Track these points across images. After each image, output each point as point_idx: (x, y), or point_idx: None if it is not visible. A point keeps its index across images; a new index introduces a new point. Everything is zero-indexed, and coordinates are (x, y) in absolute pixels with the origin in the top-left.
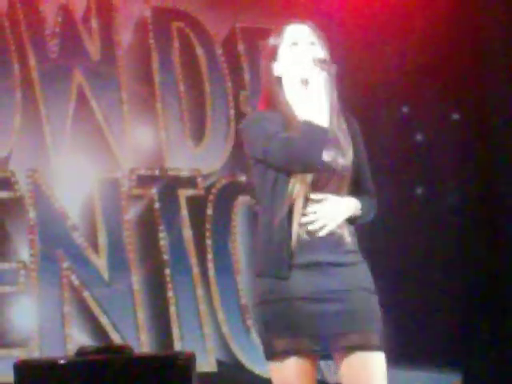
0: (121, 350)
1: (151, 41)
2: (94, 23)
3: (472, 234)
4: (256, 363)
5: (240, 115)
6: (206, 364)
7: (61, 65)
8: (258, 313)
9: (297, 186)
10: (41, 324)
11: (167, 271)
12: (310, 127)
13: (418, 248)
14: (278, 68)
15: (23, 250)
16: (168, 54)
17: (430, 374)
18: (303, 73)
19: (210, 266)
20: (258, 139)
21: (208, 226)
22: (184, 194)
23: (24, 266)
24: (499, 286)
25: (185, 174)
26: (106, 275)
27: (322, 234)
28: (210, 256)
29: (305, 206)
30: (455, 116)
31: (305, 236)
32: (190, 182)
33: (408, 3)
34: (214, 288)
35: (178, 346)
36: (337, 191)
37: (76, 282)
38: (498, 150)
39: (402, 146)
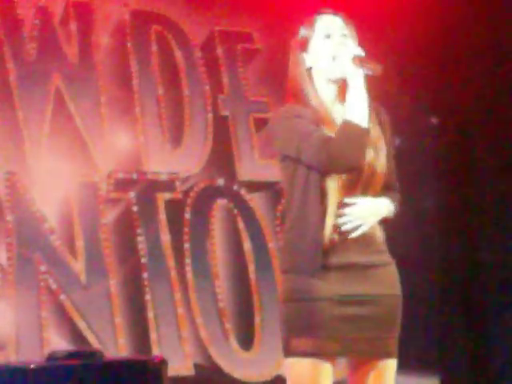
0: (91, 354)
1: (130, 44)
2: (73, 26)
3: (448, 239)
4: (234, 367)
5: (218, 119)
6: (183, 368)
7: (39, 68)
8: (283, 310)
9: (330, 184)
10: (18, 328)
11: (145, 275)
12: (350, 128)
13: (394, 252)
14: (309, 60)
15: (0, 254)
16: (147, 57)
17: (407, 378)
18: (340, 69)
19: (188, 269)
20: (292, 136)
21: (186, 229)
22: (162, 197)
23: (1, 269)
24: (477, 291)
25: (163, 177)
26: (83, 279)
27: (354, 235)
28: (188, 260)
29: (339, 205)
30: (434, 120)
31: (336, 236)
32: (168, 185)
33: (387, 8)
34: (192, 292)
35: (155, 350)
36: (369, 189)
37: (53, 286)
38: (477, 154)
39: None
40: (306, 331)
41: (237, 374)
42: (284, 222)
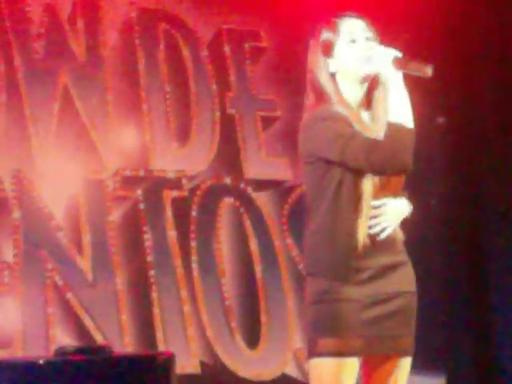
0: (100, 349)
1: (137, 42)
2: (80, 24)
3: (456, 238)
4: (240, 365)
5: (225, 117)
6: (189, 366)
7: (46, 65)
8: (311, 311)
9: (365, 187)
10: (24, 325)
11: (151, 272)
12: (399, 129)
13: None
14: (334, 65)
15: (7, 251)
16: (154, 55)
17: (413, 376)
18: (370, 70)
19: (195, 267)
20: (333, 139)
21: (193, 227)
22: (169, 195)
23: (8, 266)
24: (483, 289)
25: (170, 175)
26: (90, 276)
27: (382, 236)
28: (194, 257)
29: (370, 207)
30: (440, 119)
31: (366, 239)
32: (175, 183)
33: (392, 7)
34: (198, 290)
35: (161, 348)
36: (396, 190)
37: (60, 283)
38: (483, 152)
39: None
40: (333, 332)
41: (243, 373)
42: (308, 223)
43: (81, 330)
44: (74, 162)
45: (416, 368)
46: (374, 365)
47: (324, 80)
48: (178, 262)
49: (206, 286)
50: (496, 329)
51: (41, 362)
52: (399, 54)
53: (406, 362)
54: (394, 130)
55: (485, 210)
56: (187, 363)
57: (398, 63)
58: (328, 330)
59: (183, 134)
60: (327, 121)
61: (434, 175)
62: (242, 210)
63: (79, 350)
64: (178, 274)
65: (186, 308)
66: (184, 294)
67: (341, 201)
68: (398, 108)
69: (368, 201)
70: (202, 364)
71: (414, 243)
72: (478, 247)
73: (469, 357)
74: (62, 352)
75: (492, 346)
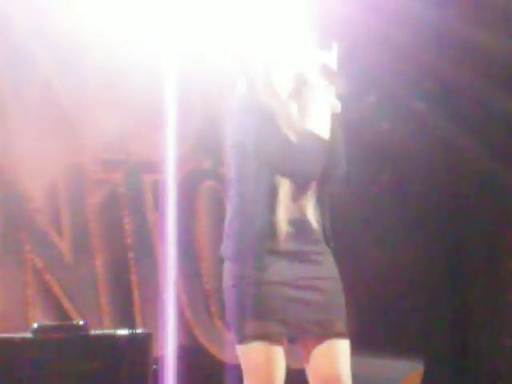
0: (78, 328)
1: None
2: None
3: (436, 223)
4: (219, 348)
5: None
6: (168, 349)
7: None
8: (229, 296)
9: (282, 180)
10: (3, 307)
11: (131, 255)
12: (312, 139)
13: (382, 234)
14: (267, 52)
15: None
16: None
17: (392, 362)
18: (298, 66)
19: (175, 251)
20: (251, 135)
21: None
22: (149, 178)
23: None
24: (461, 275)
25: (150, 158)
26: (69, 258)
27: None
28: (174, 241)
29: (288, 196)
30: (421, 105)
31: (287, 226)
32: (155, 167)
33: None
34: (178, 273)
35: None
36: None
37: (39, 265)
38: (464, 137)
39: (369, 135)
40: (254, 315)
41: (222, 356)
42: (228, 208)
43: (60, 312)
44: (54, 144)
45: (394, 354)
46: (307, 347)
47: (256, 67)
48: (157, 245)
49: (185, 270)
50: (473, 315)
51: (17, 339)
52: (329, 63)
53: (341, 344)
54: (307, 138)
55: (465, 193)
56: (166, 346)
57: (324, 71)
58: (247, 314)
59: (164, 118)
60: (251, 114)
61: (415, 159)
62: (222, 193)
63: (56, 328)
64: (158, 258)
65: (166, 291)
66: (163, 277)
67: (259, 190)
68: (315, 116)
69: (286, 190)
70: (181, 347)
71: (394, 228)
72: (457, 232)
73: (447, 343)
74: (40, 330)
75: (469, 333)
